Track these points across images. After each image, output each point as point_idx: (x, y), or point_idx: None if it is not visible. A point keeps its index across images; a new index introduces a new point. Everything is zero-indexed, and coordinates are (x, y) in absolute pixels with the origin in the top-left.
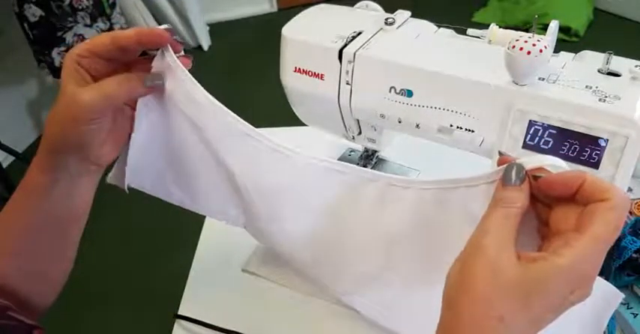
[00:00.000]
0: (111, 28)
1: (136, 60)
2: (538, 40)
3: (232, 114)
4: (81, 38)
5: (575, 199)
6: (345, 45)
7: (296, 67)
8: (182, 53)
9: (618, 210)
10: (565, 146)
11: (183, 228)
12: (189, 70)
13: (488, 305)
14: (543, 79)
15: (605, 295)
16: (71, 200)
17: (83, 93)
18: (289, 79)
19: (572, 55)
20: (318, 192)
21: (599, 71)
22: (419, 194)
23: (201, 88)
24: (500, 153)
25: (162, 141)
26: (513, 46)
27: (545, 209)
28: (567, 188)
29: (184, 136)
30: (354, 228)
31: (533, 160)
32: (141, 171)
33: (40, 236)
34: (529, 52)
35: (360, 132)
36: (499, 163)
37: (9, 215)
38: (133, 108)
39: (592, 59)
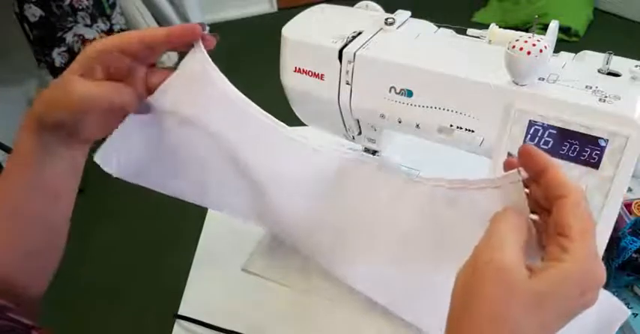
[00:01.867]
0: (111, 29)
1: (151, 69)
2: (538, 40)
3: (254, 105)
4: (81, 38)
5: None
6: (345, 45)
7: (296, 67)
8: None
9: (581, 202)
10: (565, 146)
11: (183, 228)
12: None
13: (502, 319)
14: (543, 79)
15: (612, 309)
16: (57, 171)
17: (78, 84)
18: (289, 78)
19: (572, 55)
20: (333, 181)
21: (599, 71)
22: (431, 191)
23: (226, 80)
24: (509, 154)
25: (165, 138)
26: (513, 46)
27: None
28: (530, 164)
29: (190, 131)
30: (366, 219)
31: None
32: (145, 168)
33: (27, 216)
34: (529, 52)
35: (360, 132)
36: (506, 164)
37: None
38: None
39: (592, 59)
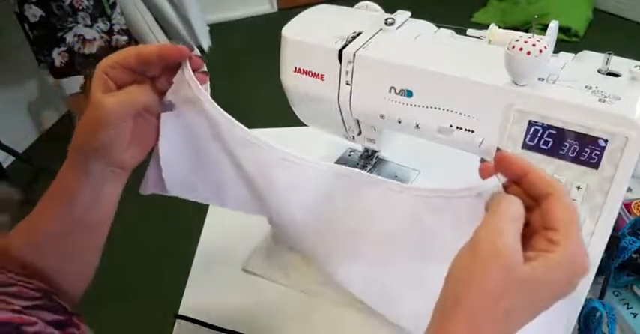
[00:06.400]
0: (111, 29)
1: (161, 73)
2: (538, 41)
3: (243, 127)
4: (81, 38)
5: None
6: (345, 45)
7: (296, 68)
8: (204, 69)
9: (565, 196)
10: (564, 146)
11: (183, 227)
12: None
13: (497, 300)
14: (543, 80)
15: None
16: (97, 203)
17: (106, 99)
18: (289, 79)
19: (572, 55)
20: (322, 193)
21: (598, 71)
22: (413, 199)
23: (215, 104)
24: (481, 160)
25: (185, 148)
26: (513, 47)
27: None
28: (509, 169)
29: (205, 143)
30: (353, 226)
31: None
32: (170, 178)
33: (66, 239)
34: (529, 53)
35: (360, 133)
36: (482, 169)
37: (37, 216)
38: (157, 117)
39: (592, 59)
